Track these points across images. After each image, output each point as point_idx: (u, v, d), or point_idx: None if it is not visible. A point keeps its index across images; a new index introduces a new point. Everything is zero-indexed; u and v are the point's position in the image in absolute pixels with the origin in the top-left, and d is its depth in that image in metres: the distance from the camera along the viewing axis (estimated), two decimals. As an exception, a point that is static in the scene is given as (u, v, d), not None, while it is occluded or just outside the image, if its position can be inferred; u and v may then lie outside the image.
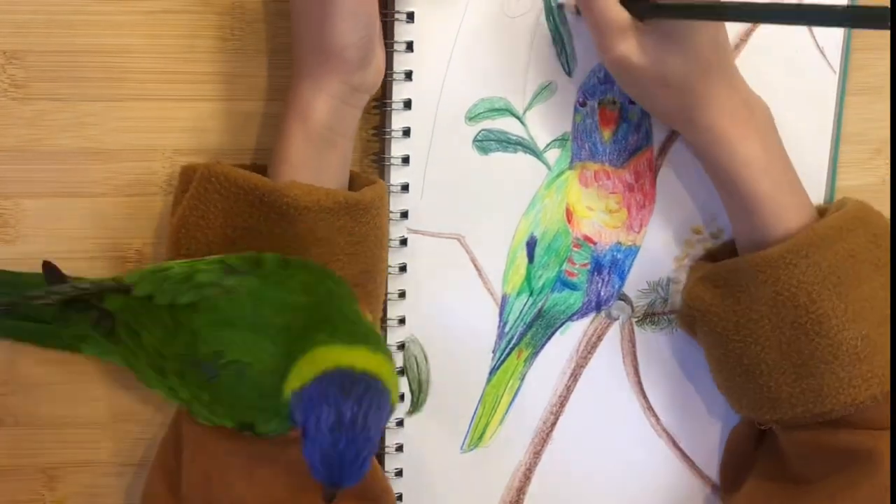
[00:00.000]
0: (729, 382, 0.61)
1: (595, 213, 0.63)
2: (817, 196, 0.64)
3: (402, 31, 0.59)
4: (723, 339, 0.60)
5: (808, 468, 0.60)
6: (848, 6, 0.61)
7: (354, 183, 0.59)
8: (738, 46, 0.62)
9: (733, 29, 0.61)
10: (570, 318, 0.65)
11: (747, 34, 0.62)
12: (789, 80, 0.63)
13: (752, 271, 0.58)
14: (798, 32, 0.62)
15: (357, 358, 0.48)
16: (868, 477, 0.56)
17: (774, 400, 0.58)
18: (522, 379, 0.65)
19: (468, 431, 0.66)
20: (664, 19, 0.55)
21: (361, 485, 0.53)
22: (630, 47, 0.56)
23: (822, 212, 0.61)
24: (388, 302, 0.63)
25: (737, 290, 0.58)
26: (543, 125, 0.62)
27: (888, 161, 0.66)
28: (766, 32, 0.62)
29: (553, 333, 0.65)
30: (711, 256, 0.64)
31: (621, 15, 0.56)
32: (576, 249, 0.64)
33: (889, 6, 0.46)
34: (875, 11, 0.46)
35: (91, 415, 0.63)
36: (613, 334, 0.65)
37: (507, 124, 0.62)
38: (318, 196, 0.54)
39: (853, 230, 0.58)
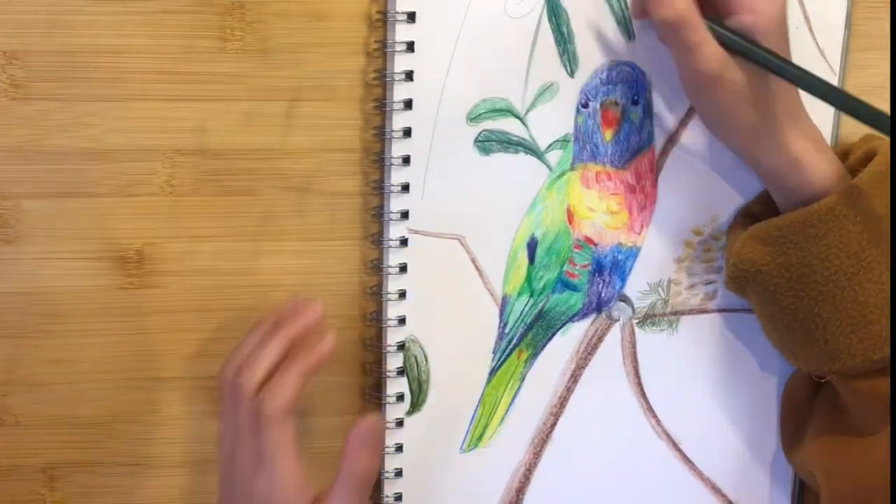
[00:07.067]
0: (785, 339, 0.61)
1: (596, 214, 0.63)
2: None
3: (403, 31, 0.59)
4: (776, 296, 0.59)
5: (867, 419, 0.59)
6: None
7: None
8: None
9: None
10: (570, 319, 0.65)
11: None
12: (790, 81, 0.63)
13: (802, 226, 0.57)
14: (798, 33, 0.62)
15: None
16: None
17: (832, 352, 0.58)
18: (522, 379, 0.65)
19: (468, 431, 0.66)
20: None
21: None
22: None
23: (844, 153, 0.61)
24: (388, 302, 0.63)
25: (788, 246, 0.58)
26: (545, 126, 0.62)
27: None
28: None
29: (553, 334, 0.65)
30: (750, 213, 0.64)
31: (718, 57, 0.56)
32: (577, 250, 0.64)
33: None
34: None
35: (91, 415, 0.63)
36: (614, 335, 0.65)
37: (509, 125, 0.62)
38: None
39: None
